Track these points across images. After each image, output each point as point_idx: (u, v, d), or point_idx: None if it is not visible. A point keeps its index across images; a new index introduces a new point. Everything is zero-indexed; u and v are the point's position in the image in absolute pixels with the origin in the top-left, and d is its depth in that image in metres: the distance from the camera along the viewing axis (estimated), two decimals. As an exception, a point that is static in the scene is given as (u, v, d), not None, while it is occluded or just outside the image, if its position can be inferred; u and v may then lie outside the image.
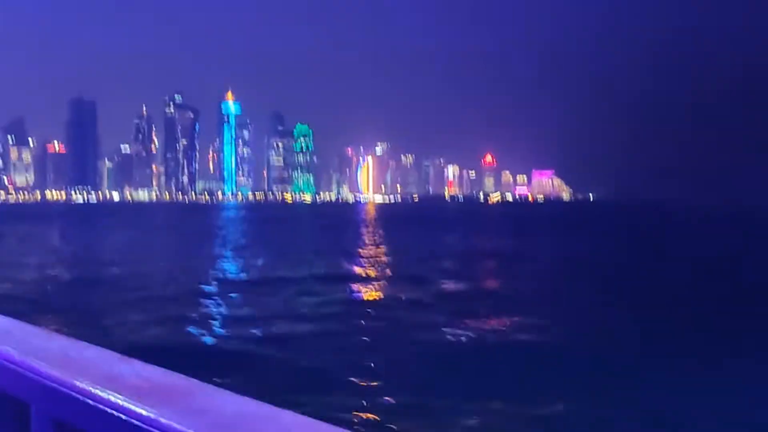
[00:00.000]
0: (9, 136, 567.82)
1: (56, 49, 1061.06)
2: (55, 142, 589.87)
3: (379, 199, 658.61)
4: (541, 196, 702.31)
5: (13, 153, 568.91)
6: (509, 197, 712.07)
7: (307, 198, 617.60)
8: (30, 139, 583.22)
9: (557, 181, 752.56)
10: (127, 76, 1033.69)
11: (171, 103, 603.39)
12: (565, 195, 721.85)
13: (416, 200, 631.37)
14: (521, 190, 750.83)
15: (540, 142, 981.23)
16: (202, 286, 40.32)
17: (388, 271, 50.57)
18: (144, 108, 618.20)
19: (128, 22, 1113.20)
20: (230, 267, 51.92)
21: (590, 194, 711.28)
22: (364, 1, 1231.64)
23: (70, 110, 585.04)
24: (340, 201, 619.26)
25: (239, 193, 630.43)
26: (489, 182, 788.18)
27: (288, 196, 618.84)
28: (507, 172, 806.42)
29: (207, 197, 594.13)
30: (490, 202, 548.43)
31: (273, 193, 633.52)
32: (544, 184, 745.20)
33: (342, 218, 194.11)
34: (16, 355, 2.23)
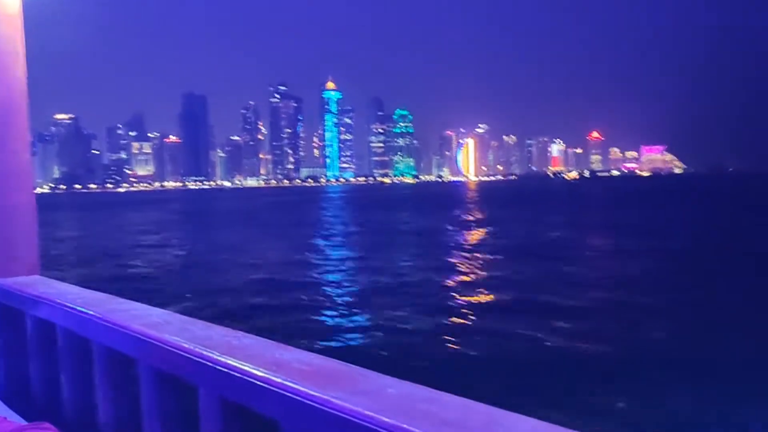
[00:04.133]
0: (131, 132, 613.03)
1: (168, 47, 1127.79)
2: (171, 136, 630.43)
3: (477, 179, 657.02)
4: (648, 172, 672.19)
5: (135, 146, 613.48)
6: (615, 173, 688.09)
7: (408, 180, 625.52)
8: (150, 134, 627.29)
9: (669, 156, 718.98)
10: (233, 69, 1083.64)
11: (276, 93, 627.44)
12: (678, 170, 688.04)
13: (515, 179, 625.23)
14: (630, 166, 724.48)
15: (651, 117, 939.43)
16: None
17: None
18: (251, 101, 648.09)
19: (231, 18, 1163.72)
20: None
21: (705, 169, 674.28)
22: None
23: (183, 104, 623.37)
24: (440, 181, 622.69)
25: (342, 177, 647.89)
26: (596, 159, 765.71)
27: (387, 180, 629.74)
28: (615, 148, 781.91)
29: (311, 182, 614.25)
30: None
31: (374, 177, 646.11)
32: (655, 159, 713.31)
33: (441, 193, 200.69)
34: (183, 343, 2.45)
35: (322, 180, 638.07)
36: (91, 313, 3.13)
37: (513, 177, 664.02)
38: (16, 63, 4.35)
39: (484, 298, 26.41)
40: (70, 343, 3.42)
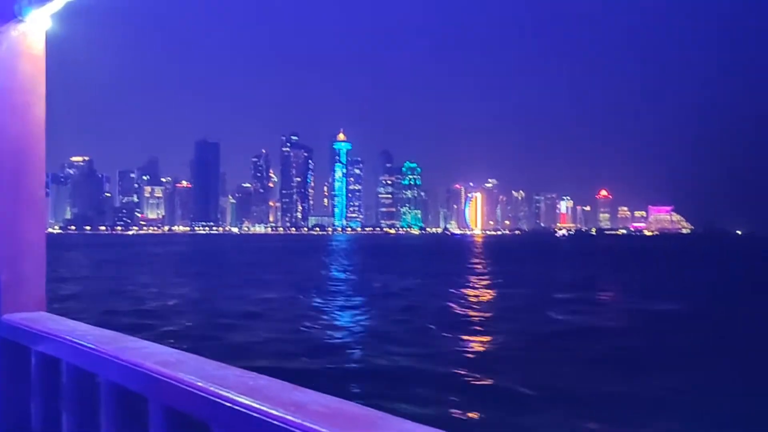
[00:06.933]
0: (144, 176, 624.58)
1: (183, 95, 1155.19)
2: (184, 182, 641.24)
3: (483, 233, 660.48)
4: (655, 232, 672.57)
5: (147, 190, 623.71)
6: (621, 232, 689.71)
7: (414, 232, 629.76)
8: (162, 178, 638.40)
9: (677, 217, 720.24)
10: (246, 118, 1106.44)
11: (287, 142, 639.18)
12: (685, 230, 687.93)
13: (519, 234, 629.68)
14: (638, 225, 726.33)
15: (659, 177, 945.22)
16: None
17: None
18: (263, 149, 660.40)
19: (245, 68, 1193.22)
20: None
21: (713, 230, 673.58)
22: (471, 44, 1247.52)
23: (196, 151, 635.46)
24: (444, 234, 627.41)
25: (349, 227, 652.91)
26: (604, 217, 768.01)
27: (392, 231, 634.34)
28: (624, 207, 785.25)
29: (318, 231, 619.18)
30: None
31: (381, 228, 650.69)
32: (662, 220, 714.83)
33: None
34: (198, 381, 2.44)
35: (329, 229, 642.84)
36: (102, 350, 3.12)
37: (518, 232, 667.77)
38: (37, 103, 4.46)
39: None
40: (77, 380, 3.39)
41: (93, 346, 3.19)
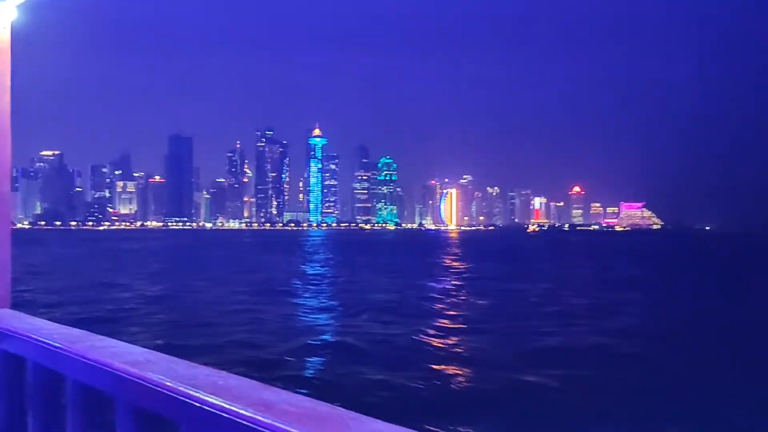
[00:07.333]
0: (116, 171, 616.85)
1: (156, 89, 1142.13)
2: (157, 177, 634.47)
3: (458, 228, 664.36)
4: (627, 228, 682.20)
5: (119, 185, 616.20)
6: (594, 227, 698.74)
7: (390, 227, 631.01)
8: (135, 173, 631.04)
9: (648, 213, 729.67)
10: (221, 113, 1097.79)
11: (262, 138, 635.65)
12: (656, 226, 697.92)
13: (492, 229, 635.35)
14: (610, 221, 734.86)
15: (632, 173, 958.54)
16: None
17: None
18: (238, 142, 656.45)
19: (219, 62, 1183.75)
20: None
21: (683, 226, 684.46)
22: (447, 42, 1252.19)
23: (169, 146, 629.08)
24: (419, 229, 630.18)
25: (324, 222, 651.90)
26: (577, 213, 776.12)
27: (368, 226, 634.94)
28: (597, 204, 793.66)
29: (293, 226, 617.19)
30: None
31: (357, 224, 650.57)
32: (633, 216, 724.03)
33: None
34: (167, 381, 2.39)
35: (304, 224, 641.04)
36: (68, 349, 3.05)
37: (491, 228, 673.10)
38: (2, 95, 4.36)
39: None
40: (42, 380, 3.32)
41: (59, 345, 3.13)
